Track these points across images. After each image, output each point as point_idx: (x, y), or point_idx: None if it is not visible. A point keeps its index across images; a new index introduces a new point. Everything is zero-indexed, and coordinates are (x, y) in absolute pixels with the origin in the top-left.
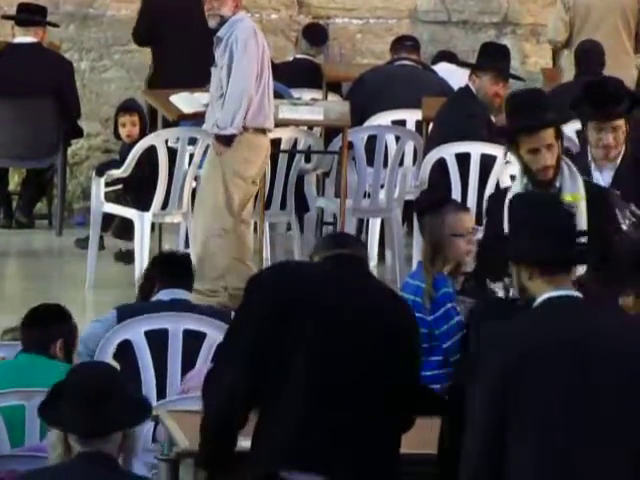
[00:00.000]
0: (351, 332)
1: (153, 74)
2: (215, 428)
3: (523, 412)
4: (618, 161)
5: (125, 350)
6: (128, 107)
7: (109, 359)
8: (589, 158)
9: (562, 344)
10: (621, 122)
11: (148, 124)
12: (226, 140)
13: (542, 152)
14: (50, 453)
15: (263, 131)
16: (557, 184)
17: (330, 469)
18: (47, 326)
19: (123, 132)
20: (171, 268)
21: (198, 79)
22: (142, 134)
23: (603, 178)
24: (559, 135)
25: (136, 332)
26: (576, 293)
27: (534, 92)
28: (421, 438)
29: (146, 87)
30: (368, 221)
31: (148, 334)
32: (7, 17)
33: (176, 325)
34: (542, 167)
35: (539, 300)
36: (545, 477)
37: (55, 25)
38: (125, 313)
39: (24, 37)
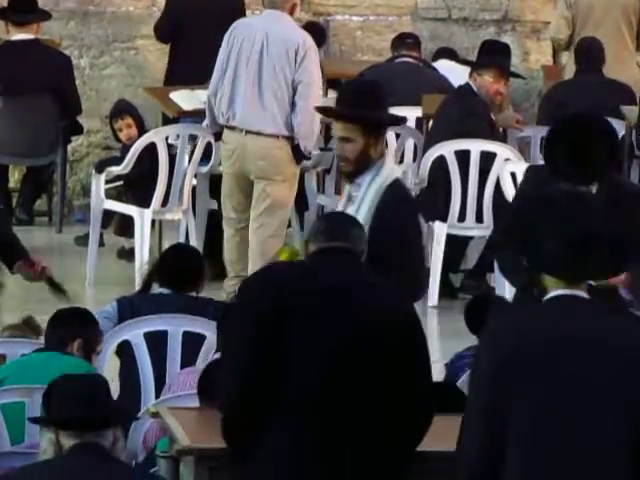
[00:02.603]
0: (344, 332)
1: (169, 71)
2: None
3: (517, 410)
4: None
5: (125, 349)
6: (119, 111)
7: (107, 359)
8: None
9: (554, 341)
10: None
11: (144, 120)
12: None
13: (337, 142)
14: (40, 457)
15: (231, 127)
16: (359, 181)
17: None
18: (68, 326)
19: (122, 136)
20: (174, 277)
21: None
22: (141, 131)
23: None
24: (371, 133)
25: (135, 333)
26: (581, 293)
27: (370, 84)
28: (440, 435)
29: (164, 83)
30: None
31: (147, 335)
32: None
33: (175, 327)
34: (337, 156)
35: (546, 297)
36: (540, 474)
37: (48, 15)
38: (125, 305)
39: (20, 34)
